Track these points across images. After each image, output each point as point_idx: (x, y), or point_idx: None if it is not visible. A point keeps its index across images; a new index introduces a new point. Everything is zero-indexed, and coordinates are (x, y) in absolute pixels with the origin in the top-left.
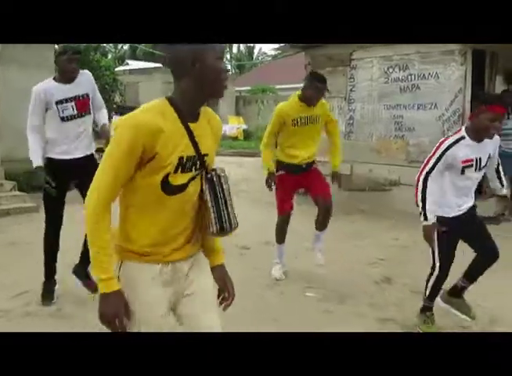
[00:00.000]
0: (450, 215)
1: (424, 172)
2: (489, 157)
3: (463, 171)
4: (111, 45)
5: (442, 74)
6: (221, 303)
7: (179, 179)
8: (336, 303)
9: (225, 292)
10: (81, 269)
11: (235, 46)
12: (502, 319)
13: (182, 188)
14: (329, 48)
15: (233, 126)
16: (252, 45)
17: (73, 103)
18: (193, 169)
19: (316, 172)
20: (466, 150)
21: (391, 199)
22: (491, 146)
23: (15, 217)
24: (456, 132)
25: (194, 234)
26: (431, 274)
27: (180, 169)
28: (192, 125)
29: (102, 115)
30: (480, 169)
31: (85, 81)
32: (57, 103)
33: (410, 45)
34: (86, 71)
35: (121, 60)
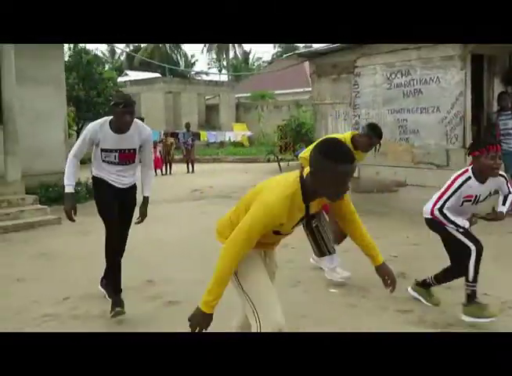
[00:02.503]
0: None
1: (439, 205)
2: (489, 195)
3: (462, 204)
4: (108, 55)
5: (443, 78)
6: (393, 288)
7: (288, 230)
8: (359, 297)
9: (394, 281)
10: (109, 285)
11: (231, 52)
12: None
13: (286, 234)
14: (334, 57)
15: (238, 133)
16: (248, 50)
17: (116, 154)
18: (299, 223)
19: None
20: (471, 189)
21: (398, 199)
22: (493, 186)
23: (39, 229)
24: (464, 171)
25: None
26: (469, 256)
27: (291, 227)
28: (312, 203)
29: (148, 183)
30: (477, 203)
31: (137, 136)
32: (102, 149)
33: (412, 52)
34: (145, 127)
35: (120, 71)
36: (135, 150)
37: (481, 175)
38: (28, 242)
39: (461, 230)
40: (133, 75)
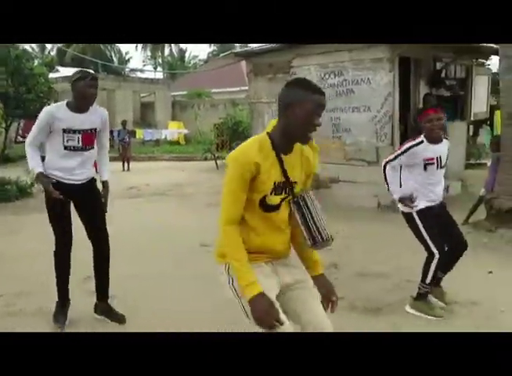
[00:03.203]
0: (425, 206)
1: (384, 161)
2: (447, 157)
3: (425, 168)
4: (37, 50)
5: (373, 79)
6: (327, 306)
7: (273, 200)
8: None
9: (331, 296)
10: (103, 305)
11: (166, 49)
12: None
13: (275, 207)
14: (270, 56)
15: (174, 131)
16: (184, 48)
17: (79, 136)
18: (283, 192)
19: None
20: (427, 150)
21: (331, 195)
22: (445, 148)
23: None
24: (417, 137)
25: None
26: (431, 261)
27: (274, 192)
28: (284, 157)
29: (106, 164)
30: (441, 167)
31: (97, 116)
32: (64, 130)
33: (344, 53)
34: (102, 108)
35: (50, 66)
36: (95, 129)
37: (430, 138)
38: None
39: (430, 232)
40: (65, 71)
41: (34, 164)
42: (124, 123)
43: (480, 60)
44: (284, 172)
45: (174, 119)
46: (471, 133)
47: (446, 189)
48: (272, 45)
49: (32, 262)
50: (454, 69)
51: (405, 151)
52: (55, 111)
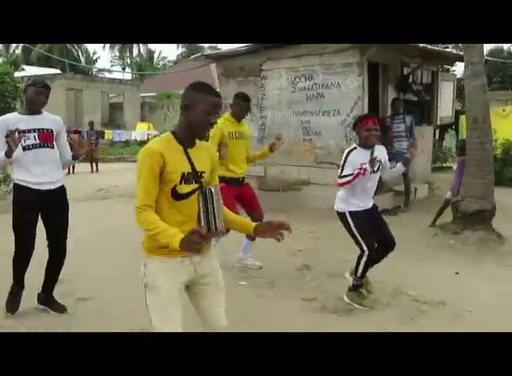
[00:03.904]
0: (358, 209)
1: (338, 182)
2: (381, 165)
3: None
4: (1, 48)
5: (343, 83)
6: (287, 229)
7: (183, 189)
8: (266, 288)
9: (282, 226)
10: (47, 296)
11: (135, 49)
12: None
13: (185, 196)
14: (241, 59)
15: (143, 132)
16: (153, 49)
17: (35, 134)
18: (193, 182)
19: (248, 185)
20: (359, 156)
21: (302, 197)
22: (380, 154)
23: None
24: (352, 147)
25: None
26: (362, 257)
27: (184, 182)
28: (189, 150)
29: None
30: (374, 172)
31: (51, 120)
32: (19, 132)
33: (314, 58)
34: (55, 116)
35: (15, 65)
36: (52, 131)
37: (365, 145)
38: None
39: (360, 231)
40: (31, 70)
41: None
42: (91, 123)
43: (445, 66)
44: (191, 163)
45: (144, 120)
46: (437, 137)
47: (414, 192)
48: (243, 47)
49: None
50: (421, 74)
51: (346, 159)
52: (10, 117)
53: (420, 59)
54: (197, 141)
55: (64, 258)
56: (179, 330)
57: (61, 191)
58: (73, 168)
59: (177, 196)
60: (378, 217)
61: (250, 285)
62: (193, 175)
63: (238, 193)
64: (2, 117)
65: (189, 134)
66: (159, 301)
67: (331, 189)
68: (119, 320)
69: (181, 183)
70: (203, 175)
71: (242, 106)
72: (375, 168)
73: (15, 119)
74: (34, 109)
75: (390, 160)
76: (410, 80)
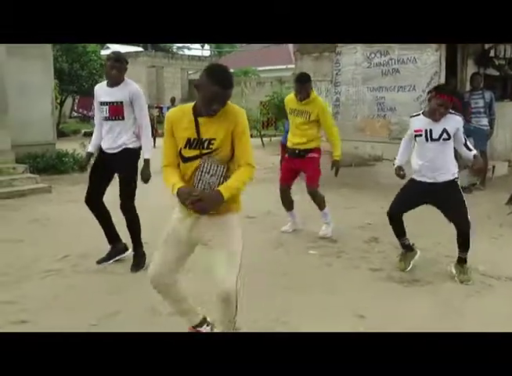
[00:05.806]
0: (420, 179)
1: None
2: (444, 132)
3: (414, 138)
4: None
5: (419, 58)
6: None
7: (187, 153)
8: (334, 258)
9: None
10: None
11: None
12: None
13: (189, 159)
14: None
15: None
16: None
17: (107, 107)
18: (197, 148)
19: (310, 160)
20: (419, 122)
21: (374, 173)
22: (448, 124)
23: (30, 197)
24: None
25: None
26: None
27: (188, 146)
28: (201, 119)
29: (145, 143)
30: (431, 140)
31: (126, 90)
32: (101, 103)
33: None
34: (133, 83)
35: (102, 44)
36: (122, 103)
37: (430, 114)
38: (21, 209)
39: (400, 192)
40: (115, 48)
41: (90, 145)
42: (173, 99)
43: None
44: (198, 131)
45: None
46: None
47: (492, 170)
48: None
49: (89, 228)
50: (504, 48)
51: (410, 122)
52: (98, 88)
53: None
54: (224, 109)
55: (130, 217)
56: (160, 263)
57: (122, 153)
58: (155, 141)
59: (182, 158)
60: (447, 196)
61: (319, 254)
62: (197, 142)
63: (294, 164)
64: (97, 85)
65: (202, 107)
66: (162, 237)
67: (404, 166)
68: None
69: (185, 148)
70: (212, 142)
71: (295, 87)
72: (432, 137)
73: (100, 90)
74: (110, 82)
75: (468, 136)
76: (492, 54)
